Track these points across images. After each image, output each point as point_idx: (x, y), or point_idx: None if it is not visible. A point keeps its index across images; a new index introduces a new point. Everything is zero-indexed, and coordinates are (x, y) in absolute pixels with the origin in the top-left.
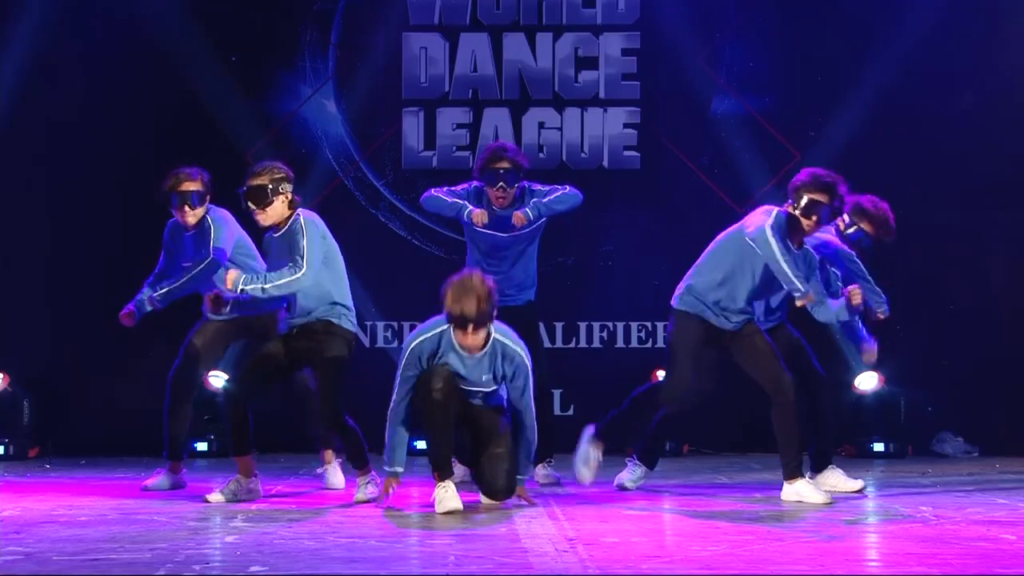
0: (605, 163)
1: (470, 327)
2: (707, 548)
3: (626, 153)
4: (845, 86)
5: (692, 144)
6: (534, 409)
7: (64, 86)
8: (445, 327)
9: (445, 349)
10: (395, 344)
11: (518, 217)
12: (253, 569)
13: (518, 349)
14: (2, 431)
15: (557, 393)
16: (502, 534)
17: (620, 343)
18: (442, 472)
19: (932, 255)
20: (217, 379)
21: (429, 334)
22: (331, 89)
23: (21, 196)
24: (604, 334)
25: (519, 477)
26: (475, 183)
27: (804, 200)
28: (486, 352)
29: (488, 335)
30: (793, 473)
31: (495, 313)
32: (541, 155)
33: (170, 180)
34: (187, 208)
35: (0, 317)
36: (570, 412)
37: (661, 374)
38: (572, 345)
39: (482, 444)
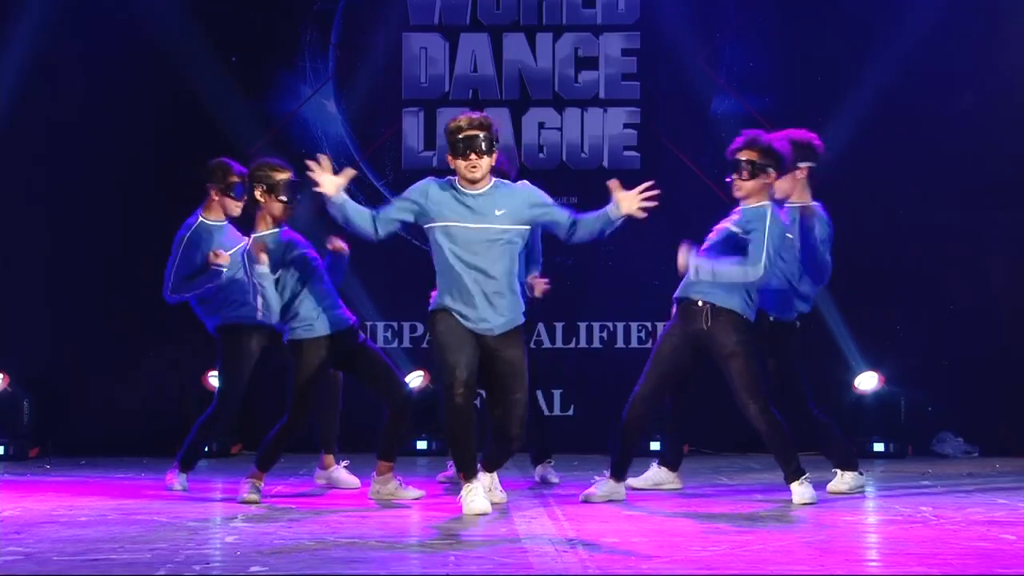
0: (605, 163)
1: (472, 154)
2: (707, 548)
3: (626, 153)
4: (845, 86)
5: (692, 144)
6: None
7: (64, 86)
8: (454, 176)
9: (453, 195)
10: (395, 344)
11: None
12: (253, 569)
13: (520, 183)
14: (2, 431)
15: (557, 393)
16: (502, 534)
17: (620, 343)
18: (468, 474)
19: (932, 255)
20: (216, 379)
21: (441, 180)
22: (331, 89)
23: (21, 196)
24: (604, 334)
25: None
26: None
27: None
28: (489, 189)
29: (489, 171)
30: (791, 477)
31: (495, 143)
32: (541, 155)
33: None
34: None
35: (0, 317)
36: (570, 412)
37: None
38: (572, 345)
39: (502, 390)
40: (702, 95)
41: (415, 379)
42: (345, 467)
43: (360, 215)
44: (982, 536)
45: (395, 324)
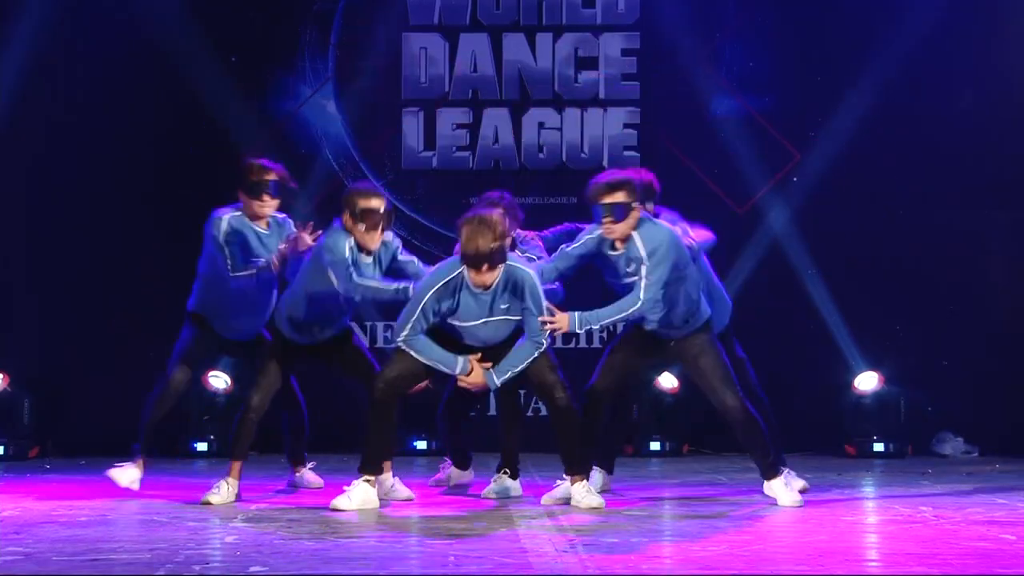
0: (605, 163)
1: (485, 267)
2: (707, 549)
3: (626, 153)
4: (845, 86)
5: (692, 145)
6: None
7: (64, 86)
8: (459, 271)
9: (460, 292)
10: (394, 344)
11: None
12: (253, 569)
13: (527, 270)
14: (2, 431)
15: None
16: (502, 534)
17: None
18: (372, 470)
19: (932, 255)
20: (217, 379)
21: (443, 282)
22: (331, 89)
23: (21, 196)
24: (604, 335)
25: (494, 375)
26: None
27: None
28: (498, 282)
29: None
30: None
31: (509, 247)
32: (541, 155)
33: (262, 171)
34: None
35: (0, 317)
36: None
37: (662, 376)
38: (572, 345)
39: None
40: (702, 95)
41: None
42: (311, 468)
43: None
44: (982, 536)
45: (395, 324)
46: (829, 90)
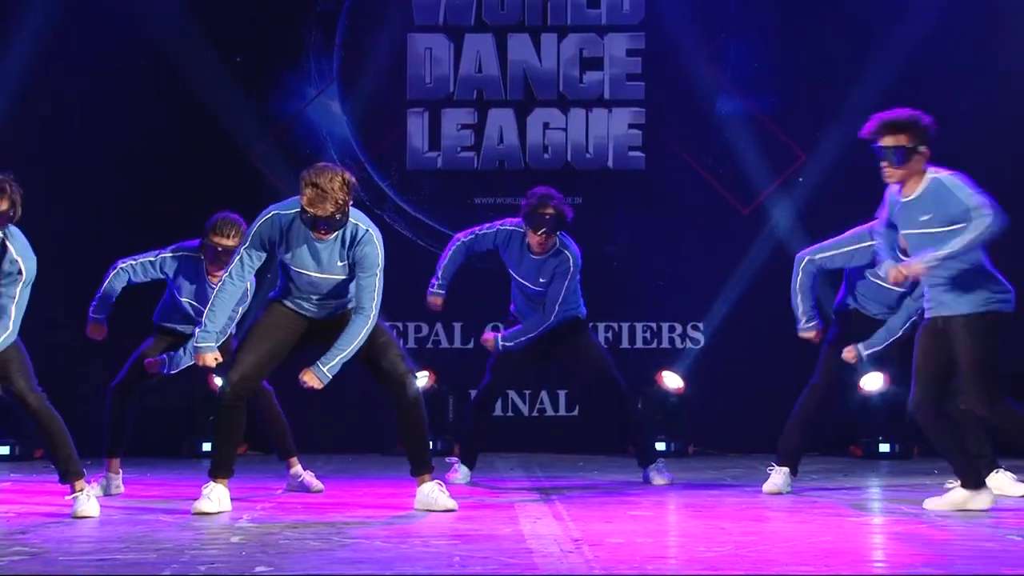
0: (610, 163)
1: (322, 231)
2: (712, 549)
3: (631, 154)
4: (849, 85)
5: (697, 145)
6: (378, 301)
7: (65, 86)
8: (296, 210)
9: (298, 229)
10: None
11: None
12: (259, 569)
13: (369, 229)
14: (8, 432)
15: (562, 394)
16: (507, 535)
17: (625, 343)
18: (224, 473)
19: None
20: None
21: (286, 212)
22: (336, 90)
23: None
24: (609, 335)
25: (322, 368)
26: (507, 223)
27: None
28: (337, 236)
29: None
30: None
31: (350, 205)
32: (546, 155)
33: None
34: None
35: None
36: (575, 412)
37: (667, 375)
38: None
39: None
40: (707, 96)
41: (420, 379)
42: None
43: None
44: (989, 537)
45: (400, 324)
46: (833, 90)
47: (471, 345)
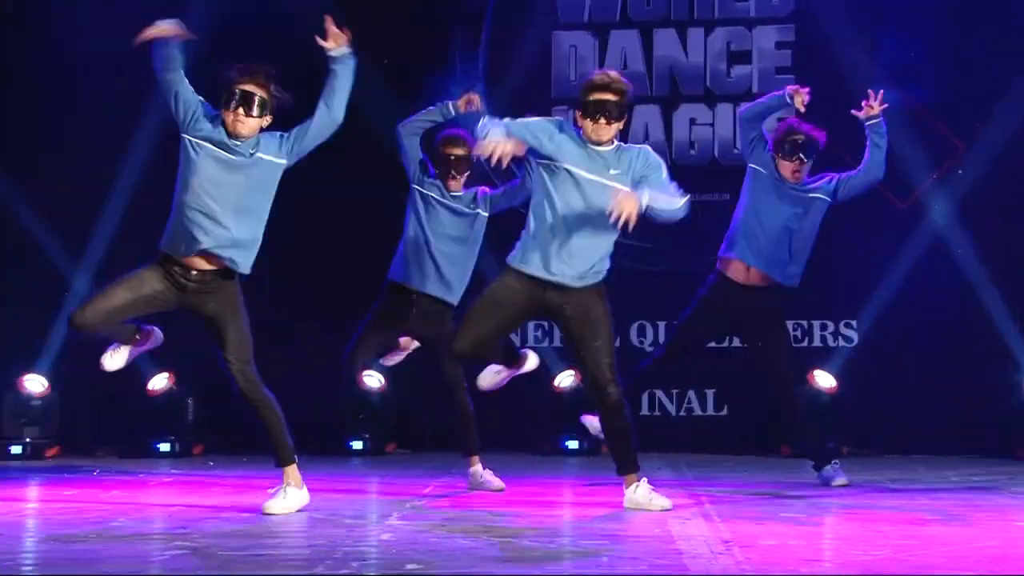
0: None
1: (602, 119)
2: (869, 552)
3: None
4: (1010, 73)
5: (849, 139)
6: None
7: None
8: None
9: (570, 136)
10: (546, 343)
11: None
12: (409, 567)
13: (643, 147)
14: (168, 429)
15: (710, 393)
16: (656, 535)
17: None
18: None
19: None
20: (371, 378)
21: (558, 118)
22: (481, 89)
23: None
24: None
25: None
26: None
27: None
28: (611, 148)
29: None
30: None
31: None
32: (692, 152)
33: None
34: None
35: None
36: (723, 412)
37: (819, 374)
38: (726, 344)
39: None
40: (860, 87)
41: (566, 379)
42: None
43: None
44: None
45: (545, 324)
46: (994, 78)
47: (617, 343)
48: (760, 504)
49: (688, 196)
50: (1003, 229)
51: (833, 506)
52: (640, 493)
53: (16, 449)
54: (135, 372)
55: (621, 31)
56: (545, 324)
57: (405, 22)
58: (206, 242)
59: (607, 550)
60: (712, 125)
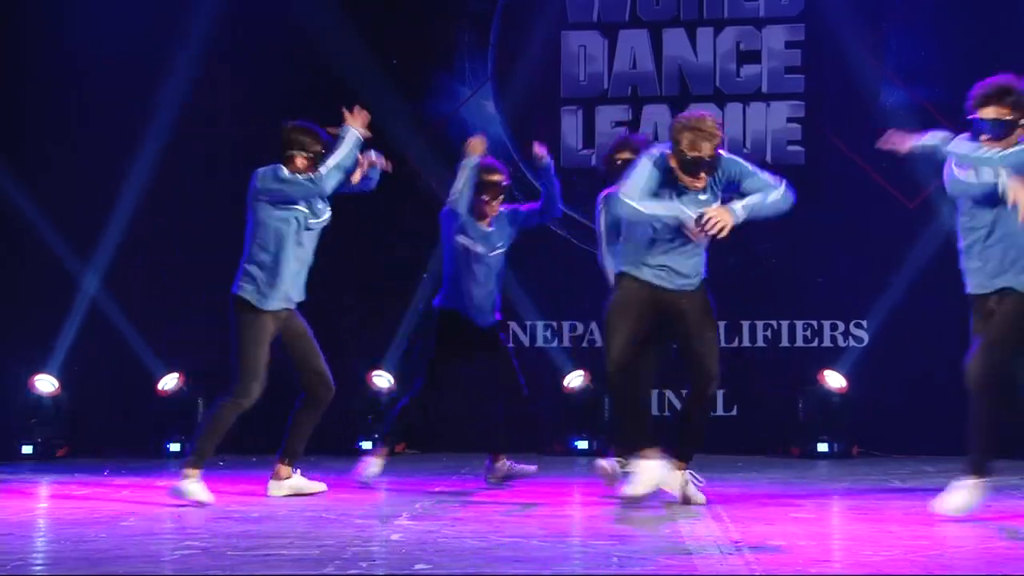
0: (768, 159)
1: (702, 173)
2: (879, 553)
3: (790, 148)
4: (1021, 71)
5: (859, 138)
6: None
7: (221, 93)
8: (668, 154)
9: (666, 179)
10: (555, 343)
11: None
12: (418, 567)
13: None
14: (177, 429)
15: (720, 393)
16: (665, 535)
17: (785, 342)
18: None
19: None
20: (380, 379)
21: (657, 155)
22: (490, 90)
23: (187, 197)
24: (768, 333)
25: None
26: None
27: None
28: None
29: None
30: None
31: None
32: None
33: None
34: None
35: (174, 317)
36: (733, 412)
37: (829, 374)
38: (735, 344)
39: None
40: (870, 86)
41: (575, 379)
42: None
43: None
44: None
45: (555, 323)
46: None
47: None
48: (770, 505)
49: (784, 181)
50: None
51: (843, 507)
52: (684, 479)
53: (27, 449)
54: (145, 372)
55: (630, 31)
56: (554, 324)
57: (412, 22)
58: None
59: (616, 550)
60: (722, 124)
